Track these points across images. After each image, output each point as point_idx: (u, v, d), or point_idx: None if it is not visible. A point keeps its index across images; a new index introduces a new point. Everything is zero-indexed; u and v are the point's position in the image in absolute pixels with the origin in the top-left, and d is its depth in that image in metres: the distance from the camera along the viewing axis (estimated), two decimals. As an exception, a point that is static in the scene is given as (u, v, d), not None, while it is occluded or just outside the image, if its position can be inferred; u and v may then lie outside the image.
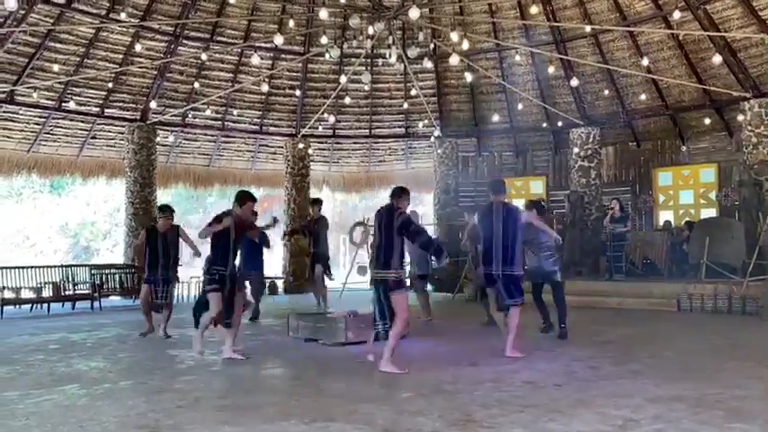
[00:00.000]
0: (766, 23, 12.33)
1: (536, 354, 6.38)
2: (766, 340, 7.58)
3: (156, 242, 8.15)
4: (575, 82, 12.65)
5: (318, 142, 17.93)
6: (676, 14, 10.69)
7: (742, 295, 10.12)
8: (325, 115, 15.29)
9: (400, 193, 5.93)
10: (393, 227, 5.64)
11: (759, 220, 11.81)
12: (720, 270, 11.21)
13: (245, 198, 6.58)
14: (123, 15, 13.13)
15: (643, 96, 14.41)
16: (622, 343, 7.29)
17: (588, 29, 13.40)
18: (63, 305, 12.27)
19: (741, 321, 9.29)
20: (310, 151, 17.35)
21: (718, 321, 9.33)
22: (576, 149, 15.62)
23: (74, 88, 14.42)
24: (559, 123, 15.69)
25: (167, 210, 8.46)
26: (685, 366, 5.75)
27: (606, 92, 15.21)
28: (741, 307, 10.04)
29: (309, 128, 16.46)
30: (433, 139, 17.10)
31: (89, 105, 14.88)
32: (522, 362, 5.97)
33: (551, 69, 14.00)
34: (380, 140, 18.30)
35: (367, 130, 17.91)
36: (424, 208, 20.95)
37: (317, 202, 10.74)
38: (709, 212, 14.77)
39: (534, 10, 11.70)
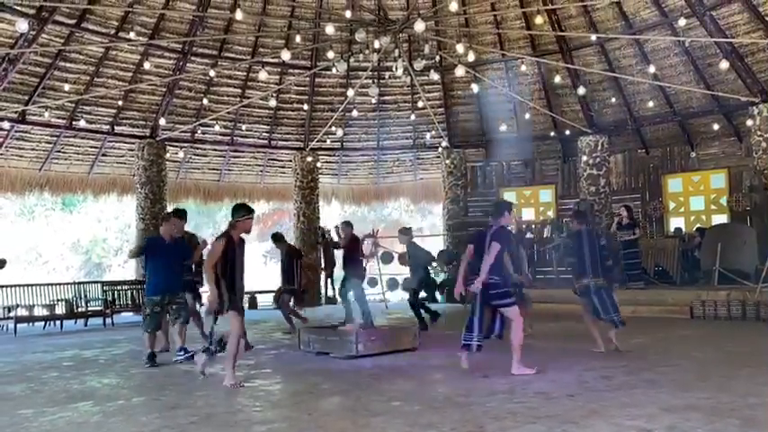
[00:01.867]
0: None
1: (549, 364, 6.34)
2: (781, 347, 7.51)
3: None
4: (581, 90, 12.65)
5: (327, 155, 18.01)
6: (682, 21, 10.71)
7: (755, 301, 10.04)
8: (333, 128, 15.38)
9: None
10: (597, 244, 7.26)
11: (771, 225, 11.74)
12: (733, 276, 11.14)
13: None
14: (132, 34, 13.31)
15: (651, 103, 14.39)
16: (636, 352, 7.22)
17: (594, 37, 13.43)
18: (76, 322, 12.33)
19: (755, 328, 9.20)
20: (319, 164, 17.42)
21: (731, 328, 9.25)
22: (584, 157, 15.59)
23: (84, 107, 14.60)
24: (567, 132, 15.67)
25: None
26: (699, 375, 5.71)
27: (613, 99, 15.20)
28: (755, 313, 9.96)
29: (317, 141, 16.56)
30: (440, 149, 17.14)
31: (99, 123, 15.06)
32: (534, 373, 5.95)
33: (558, 78, 14.02)
34: (388, 152, 18.35)
35: (375, 143, 17.98)
36: (433, 218, 20.92)
37: (177, 214, 8.28)
38: (721, 218, 14.67)
39: (539, 20, 11.73)
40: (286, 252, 10.29)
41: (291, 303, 10.36)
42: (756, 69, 13.11)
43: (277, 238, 10.44)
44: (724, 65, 11.11)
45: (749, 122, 13.35)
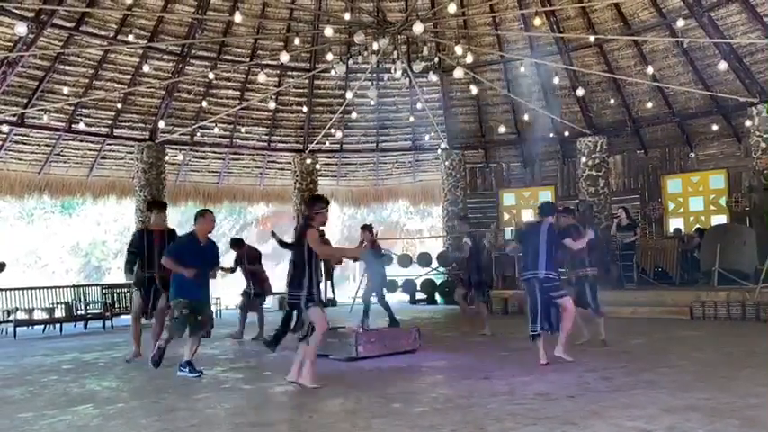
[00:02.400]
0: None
1: (549, 365, 6.34)
2: (781, 347, 7.51)
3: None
4: (580, 92, 12.67)
5: (326, 157, 18.03)
6: (680, 22, 10.73)
7: (755, 302, 10.03)
8: (333, 130, 15.39)
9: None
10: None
11: (770, 225, 11.74)
12: (732, 277, 11.14)
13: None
14: (131, 37, 13.31)
15: (649, 104, 14.39)
16: (636, 352, 7.23)
17: (592, 39, 13.45)
18: (75, 325, 12.32)
19: (755, 328, 9.20)
20: (318, 166, 17.44)
21: (731, 329, 9.25)
22: (583, 158, 15.59)
23: (83, 109, 14.60)
24: (566, 133, 15.68)
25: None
26: (699, 375, 5.71)
27: (612, 101, 15.22)
28: (755, 313, 9.95)
29: (317, 143, 16.56)
30: (439, 151, 17.15)
31: (98, 126, 15.06)
32: (534, 374, 5.95)
33: (556, 80, 14.03)
34: (388, 154, 18.36)
35: (374, 144, 17.99)
36: (432, 220, 20.85)
37: (158, 206, 8.34)
38: (720, 219, 14.68)
39: (537, 22, 11.74)
40: (245, 256, 9.74)
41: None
42: (755, 70, 13.14)
43: (235, 243, 10.03)
44: (722, 65, 11.12)
45: (748, 123, 13.37)
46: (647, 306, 11.23)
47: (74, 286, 12.93)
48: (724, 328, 9.31)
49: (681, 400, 4.68)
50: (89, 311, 12.40)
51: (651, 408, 4.44)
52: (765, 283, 10.32)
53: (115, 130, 15.23)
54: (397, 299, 16.84)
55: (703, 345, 7.82)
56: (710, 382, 5.37)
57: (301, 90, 16.63)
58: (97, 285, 13.33)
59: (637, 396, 4.86)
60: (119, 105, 14.82)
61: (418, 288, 17.01)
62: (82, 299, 12.48)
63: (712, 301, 10.48)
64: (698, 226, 14.48)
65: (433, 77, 11.56)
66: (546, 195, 17.33)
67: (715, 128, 14.33)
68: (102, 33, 13.72)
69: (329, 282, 17.66)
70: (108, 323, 12.16)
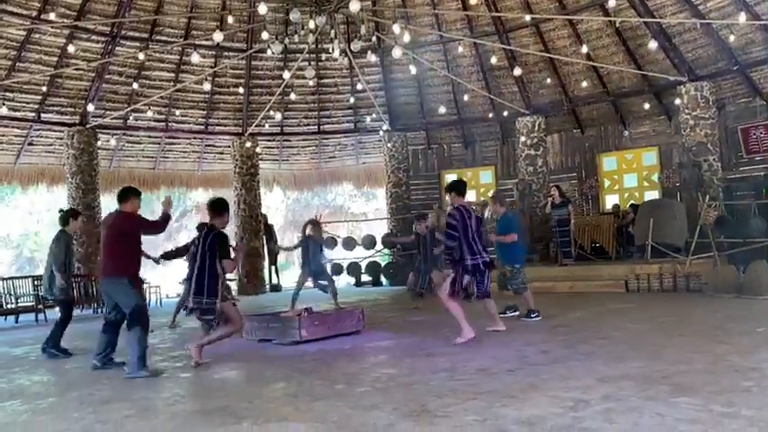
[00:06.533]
0: (698, 9, 12.74)
1: (490, 341, 6.44)
2: (708, 315, 7.83)
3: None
4: (518, 71, 12.79)
5: (266, 140, 17.71)
6: (612, 2, 10.95)
7: (686, 273, 10.47)
8: (272, 112, 15.11)
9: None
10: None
11: (699, 199, 12.19)
12: (665, 250, 11.54)
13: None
14: (52, 15, 12.67)
15: (585, 83, 14.70)
16: (573, 326, 7.42)
17: (528, 18, 13.59)
18: (6, 319, 11.80)
19: (685, 298, 9.59)
20: (258, 150, 17.10)
21: (663, 300, 9.61)
22: (522, 138, 15.83)
23: (6, 93, 13.86)
24: (505, 113, 15.86)
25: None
26: (633, 345, 5.89)
27: (549, 80, 15.46)
28: (685, 284, 10.40)
29: (256, 126, 16.24)
30: (381, 133, 17.09)
31: (24, 111, 14.35)
32: (475, 349, 6.02)
33: (494, 60, 14.13)
34: (330, 136, 18.18)
35: (315, 127, 17.78)
36: (378, 203, 20.81)
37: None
38: (653, 194, 15.18)
39: (474, 0, 11.75)
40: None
41: None
42: (683, 50, 13.57)
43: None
44: (653, 45, 11.41)
45: (677, 101, 13.83)
46: (585, 281, 11.56)
47: (2, 279, 12.35)
48: (657, 300, 9.67)
49: (615, 369, 4.82)
50: (20, 304, 11.89)
51: (587, 378, 4.55)
52: (695, 255, 10.75)
53: (42, 115, 14.54)
54: (343, 281, 16.82)
55: (637, 316, 8.09)
56: (643, 351, 5.55)
57: (238, 71, 16.25)
58: (28, 277, 12.75)
59: (574, 368, 4.98)
60: (44, 88, 14.13)
61: (363, 270, 17.02)
62: (12, 292, 11.95)
63: (646, 274, 10.89)
64: (632, 202, 14.94)
65: (372, 57, 11.43)
66: (487, 175, 17.57)
67: (647, 106, 14.76)
68: (24, 12, 13.01)
69: (273, 267, 17.50)
70: (41, 316, 11.70)
